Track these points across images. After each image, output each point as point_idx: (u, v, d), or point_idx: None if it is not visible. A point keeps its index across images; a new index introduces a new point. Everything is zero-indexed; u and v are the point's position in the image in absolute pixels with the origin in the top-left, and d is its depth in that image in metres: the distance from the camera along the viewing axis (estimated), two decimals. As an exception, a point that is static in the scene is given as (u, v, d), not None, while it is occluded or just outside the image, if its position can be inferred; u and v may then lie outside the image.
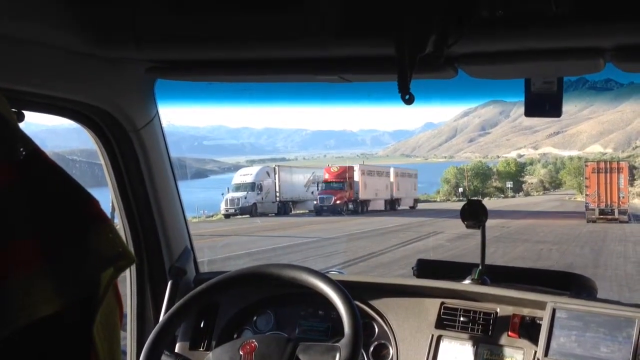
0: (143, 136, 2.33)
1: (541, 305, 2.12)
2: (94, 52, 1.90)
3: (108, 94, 2.15)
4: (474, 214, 2.25)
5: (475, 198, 2.34)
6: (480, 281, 2.31)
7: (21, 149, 0.80)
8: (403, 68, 1.59)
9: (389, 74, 1.70)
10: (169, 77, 2.18)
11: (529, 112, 2.04)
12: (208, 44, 1.82)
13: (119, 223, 2.44)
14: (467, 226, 2.26)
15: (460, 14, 1.50)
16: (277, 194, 41.77)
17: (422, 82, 1.78)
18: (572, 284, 2.36)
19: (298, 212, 42.95)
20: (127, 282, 2.50)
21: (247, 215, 37.90)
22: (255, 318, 2.51)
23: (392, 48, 1.57)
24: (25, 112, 1.79)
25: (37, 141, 0.83)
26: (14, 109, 0.86)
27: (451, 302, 2.27)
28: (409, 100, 1.63)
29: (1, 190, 0.75)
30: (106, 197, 2.40)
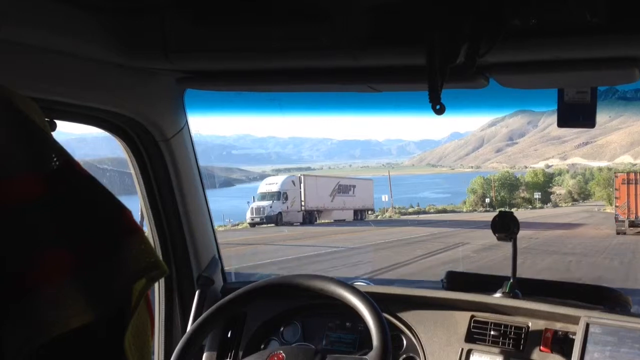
0: (173, 145, 2.34)
1: (574, 320, 2.07)
2: (125, 62, 1.91)
3: (139, 103, 2.17)
4: (505, 226, 2.21)
5: (506, 209, 2.29)
6: (512, 294, 2.26)
7: (54, 159, 0.80)
8: (434, 78, 1.57)
9: (419, 83, 1.69)
10: (199, 87, 2.19)
11: (562, 123, 2.01)
12: (237, 54, 1.83)
13: (148, 232, 2.46)
14: (499, 238, 2.23)
15: (493, 23, 1.48)
16: (303, 203, 41.73)
17: (451, 92, 1.76)
18: (605, 298, 2.30)
19: (323, 221, 42.88)
20: (156, 291, 2.51)
21: (273, 224, 37.93)
22: (282, 329, 2.50)
23: (423, 58, 1.55)
24: (57, 121, 1.83)
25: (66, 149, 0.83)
26: (46, 119, 0.86)
27: (481, 316, 2.23)
28: (439, 111, 1.61)
29: (34, 200, 0.75)
30: (136, 206, 2.42)
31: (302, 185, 41.92)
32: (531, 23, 1.47)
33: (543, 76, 1.79)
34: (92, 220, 0.79)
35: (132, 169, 2.38)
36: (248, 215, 39.04)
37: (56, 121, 1.83)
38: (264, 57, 1.83)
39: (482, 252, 21.44)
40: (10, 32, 1.54)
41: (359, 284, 2.54)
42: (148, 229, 2.46)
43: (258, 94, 2.42)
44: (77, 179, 0.81)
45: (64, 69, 1.80)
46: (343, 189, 46.80)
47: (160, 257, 2.46)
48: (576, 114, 1.98)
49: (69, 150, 0.84)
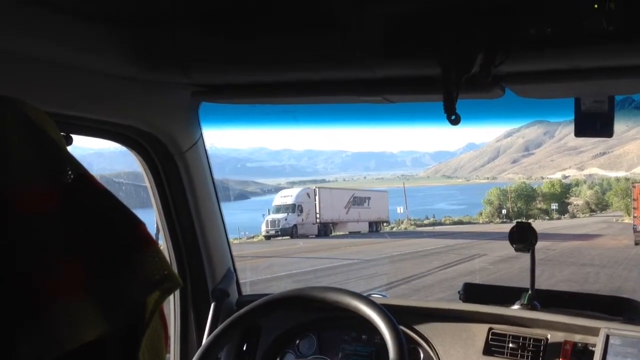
0: (187, 159, 2.35)
1: (594, 332, 2.04)
2: (141, 76, 1.92)
3: (154, 117, 2.18)
4: (523, 237, 2.19)
5: (524, 220, 2.27)
6: (530, 306, 2.24)
7: (69, 172, 0.80)
8: (449, 88, 1.56)
9: (434, 94, 1.68)
10: (214, 100, 2.19)
11: (579, 132, 1.99)
12: (252, 66, 1.83)
13: (163, 244, 2.46)
14: (516, 249, 2.21)
15: (508, 33, 1.47)
16: (318, 216, 41.73)
17: (466, 102, 1.74)
18: (625, 309, 2.27)
19: (338, 233, 42.81)
20: (171, 304, 2.51)
21: (288, 237, 37.93)
22: (297, 341, 2.48)
23: (438, 68, 1.54)
24: (73, 136, 1.83)
25: (84, 164, 0.83)
26: (62, 133, 0.86)
27: (500, 328, 2.20)
28: (455, 121, 1.60)
29: (48, 213, 0.75)
30: (151, 219, 2.43)
31: (316, 197, 41.95)
32: (547, 32, 1.45)
33: (559, 85, 1.77)
34: (105, 232, 0.78)
35: (147, 182, 2.39)
36: (263, 228, 39.10)
37: (72, 135, 1.84)
38: (278, 69, 1.83)
39: (499, 263, 21.27)
40: (25, 46, 1.56)
41: (375, 296, 2.53)
42: (163, 242, 2.46)
43: (273, 107, 2.43)
44: (91, 192, 0.81)
45: (80, 83, 1.81)
46: (358, 201, 46.77)
47: (176, 270, 2.47)
48: (593, 123, 1.97)
49: (87, 165, 0.84)
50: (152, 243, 0.81)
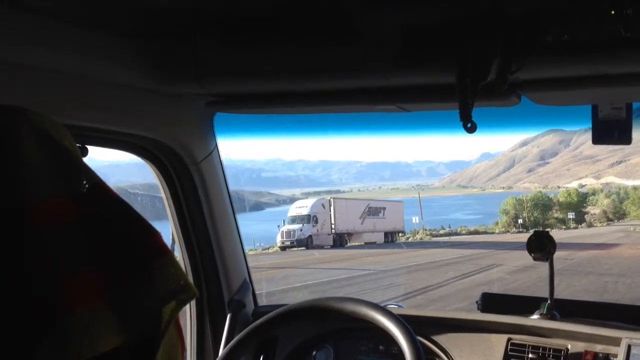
0: (203, 169, 2.35)
1: (615, 342, 2.01)
2: (156, 88, 1.93)
3: (169, 127, 2.19)
4: (541, 245, 2.17)
5: (541, 229, 2.25)
6: (550, 316, 2.21)
7: (84, 182, 0.80)
8: (465, 96, 1.55)
9: (449, 102, 1.67)
10: (229, 111, 2.20)
11: (597, 140, 1.97)
12: (267, 76, 1.83)
13: (179, 255, 2.46)
14: (535, 258, 2.19)
15: (524, 40, 1.46)
16: (333, 226, 41.68)
17: (482, 111, 1.73)
18: None
19: (354, 244, 42.70)
20: (187, 315, 2.51)
21: (303, 248, 37.89)
22: (314, 352, 2.47)
23: (453, 76, 1.54)
24: (89, 147, 1.84)
25: (100, 176, 0.83)
26: (78, 144, 0.87)
27: (519, 338, 2.18)
28: (471, 129, 1.59)
29: (64, 223, 0.75)
30: (167, 230, 2.43)
31: (332, 208, 41.92)
32: (563, 39, 1.44)
33: (576, 92, 1.75)
34: (121, 242, 0.78)
35: (162, 193, 2.40)
36: (278, 239, 39.11)
37: (88, 147, 1.85)
38: (293, 79, 1.83)
39: (517, 273, 21.10)
40: (41, 58, 1.57)
41: (391, 306, 2.51)
42: (179, 253, 2.46)
43: (287, 117, 2.43)
44: (107, 202, 0.81)
45: (95, 94, 1.82)
46: (373, 211, 46.70)
47: (191, 281, 2.47)
48: (611, 131, 1.95)
49: (103, 177, 0.84)
50: (167, 252, 0.80)
